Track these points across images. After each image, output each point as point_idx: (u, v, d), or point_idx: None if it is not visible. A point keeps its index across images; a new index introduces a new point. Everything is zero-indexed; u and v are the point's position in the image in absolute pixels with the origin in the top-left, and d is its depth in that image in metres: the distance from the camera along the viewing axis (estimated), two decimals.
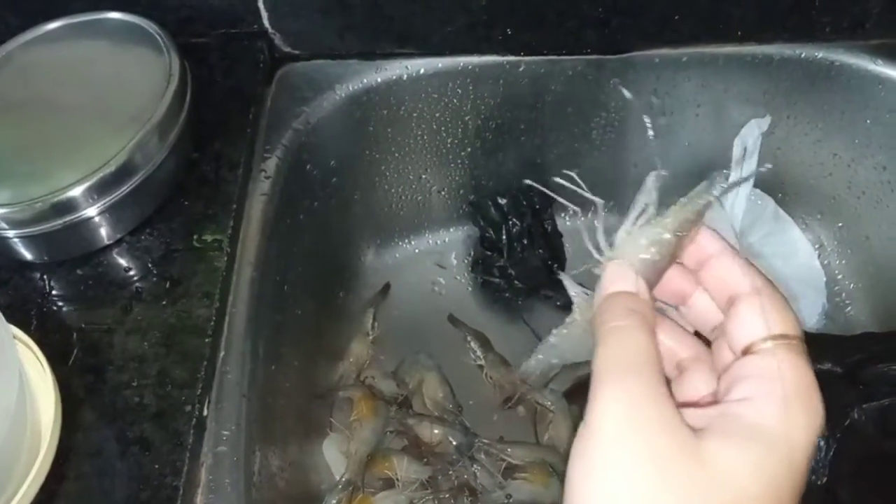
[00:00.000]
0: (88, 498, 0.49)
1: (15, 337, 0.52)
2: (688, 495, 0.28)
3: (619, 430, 0.29)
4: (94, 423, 0.53)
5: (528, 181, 0.47)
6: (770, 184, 0.87)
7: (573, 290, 0.38)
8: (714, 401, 0.33)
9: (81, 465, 0.51)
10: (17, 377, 0.47)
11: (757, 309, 0.33)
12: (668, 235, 0.35)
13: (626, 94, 0.73)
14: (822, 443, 0.59)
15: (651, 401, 0.30)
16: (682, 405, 0.32)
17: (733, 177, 0.83)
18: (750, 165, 0.81)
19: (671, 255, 0.36)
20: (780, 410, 0.30)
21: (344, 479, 0.72)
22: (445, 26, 0.76)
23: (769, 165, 0.84)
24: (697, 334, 0.38)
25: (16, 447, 0.48)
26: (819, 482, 0.59)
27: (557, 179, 0.40)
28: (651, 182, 0.37)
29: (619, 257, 0.36)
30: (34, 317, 0.58)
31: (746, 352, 0.32)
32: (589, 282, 0.37)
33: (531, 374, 0.41)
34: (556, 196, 0.40)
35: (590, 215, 0.39)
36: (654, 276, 0.36)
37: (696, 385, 0.36)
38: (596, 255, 0.37)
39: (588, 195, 0.38)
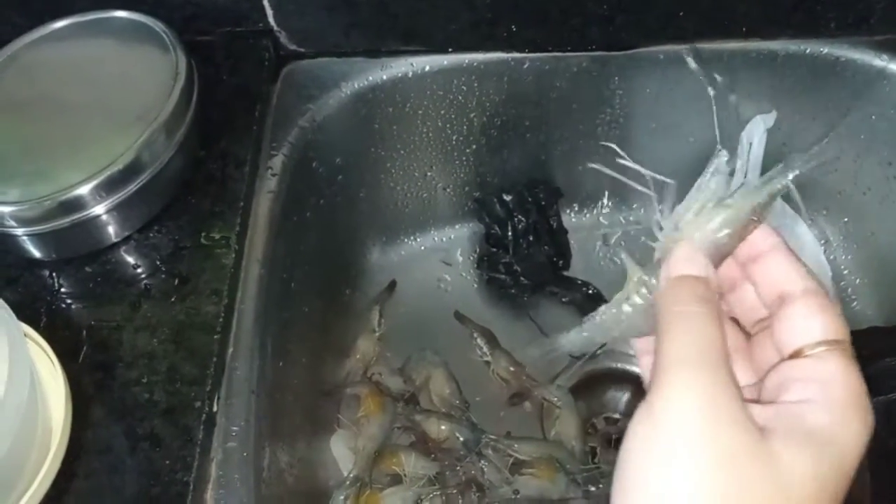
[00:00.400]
0: (100, 494, 0.50)
1: (25, 334, 0.52)
2: (754, 495, 0.28)
3: (690, 422, 0.29)
4: (105, 419, 0.53)
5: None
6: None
7: (633, 269, 0.37)
8: (756, 398, 0.33)
9: (92, 461, 0.51)
10: (28, 374, 0.48)
11: (811, 312, 0.32)
12: (741, 218, 0.34)
13: (692, 63, 0.71)
14: None
15: (724, 396, 0.30)
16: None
17: (738, 173, 0.83)
18: (755, 161, 0.81)
19: (738, 240, 0.35)
20: (838, 415, 0.30)
21: (352, 475, 0.72)
22: (450, 24, 0.76)
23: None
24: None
25: (27, 444, 0.48)
26: None
27: (621, 160, 0.40)
28: (719, 162, 0.37)
29: (685, 238, 0.35)
30: (44, 314, 0.58)
31: (797, 354, 0.32)
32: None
33: (567, 349, 0.40)
34: (623, 179, 0.40)
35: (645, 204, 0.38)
36: (717, 261, 0.35)
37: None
38: (658, 235, 0.36)
39: (657, 176, 0.38)
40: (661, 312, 0.33)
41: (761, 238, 0.36)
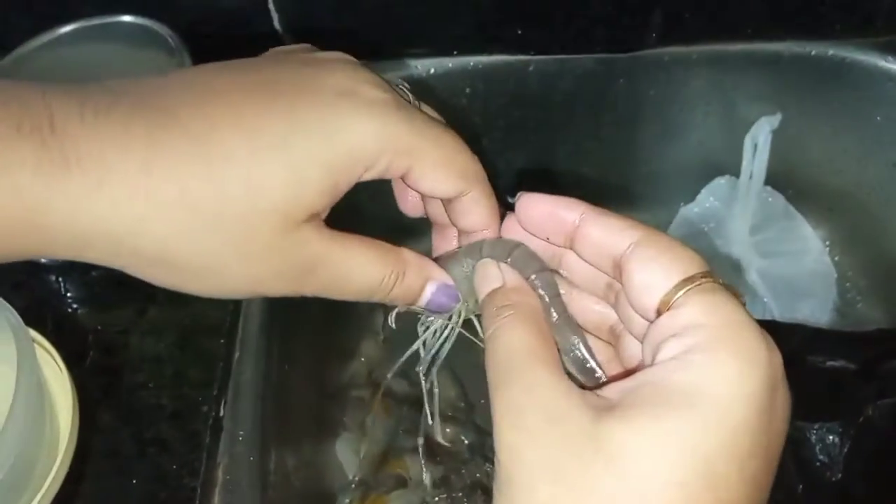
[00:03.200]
0: (108, 498, 0.50)
1: (32, 339, 0.52)
2: (581, 497, 0.25)
3: (513, 443, 0.27)
4: (112, 423, 0.53)
5: None
6: (781, 181, 0.87)
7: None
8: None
9: (100, 465, 0.51)
10: (36, 379, 0.48)
11: (646, 264, 0.28)
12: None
13: None
14: (836, 439, 0.59)
15: (534, 398, 0.27)
16: (623, 375, 0.29)
17: (743, 174, 0.83)
18: (760, 163, 0.81)
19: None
20: (701, 364, 0.25)
21: (357, 479, 0.72)
22: (455, 26, 0.76)
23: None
24: None
25: (36, 448, 0.48)
26: (833, 478, 0.59)
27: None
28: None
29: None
30: (50, 319, 0.59)
31: (660, 314, 0.28)
32: None
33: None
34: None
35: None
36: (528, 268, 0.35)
37: (636, 350, 0.31)
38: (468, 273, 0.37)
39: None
40: (485, 322, 0.33)
41: (565, 214, 0.32)
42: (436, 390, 0.39)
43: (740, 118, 0.82)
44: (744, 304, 0.27)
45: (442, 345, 0.38)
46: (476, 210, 0.36)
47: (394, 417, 0.76)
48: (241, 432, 0.55)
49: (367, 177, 0.33)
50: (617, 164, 0.88)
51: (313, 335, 0.75)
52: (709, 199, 0.88)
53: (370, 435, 0.74)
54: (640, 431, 0.24)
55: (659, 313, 0.28)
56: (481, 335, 0.34)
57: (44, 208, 0.27)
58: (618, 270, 0.30)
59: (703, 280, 0.27)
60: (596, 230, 0.31)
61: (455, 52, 0.78)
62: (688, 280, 0.27)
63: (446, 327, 0.38)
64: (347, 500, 0.71)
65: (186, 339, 0.57)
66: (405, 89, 0.36)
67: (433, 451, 0.75)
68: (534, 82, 0.80)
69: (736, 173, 0.84)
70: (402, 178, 0.34)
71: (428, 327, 0.38)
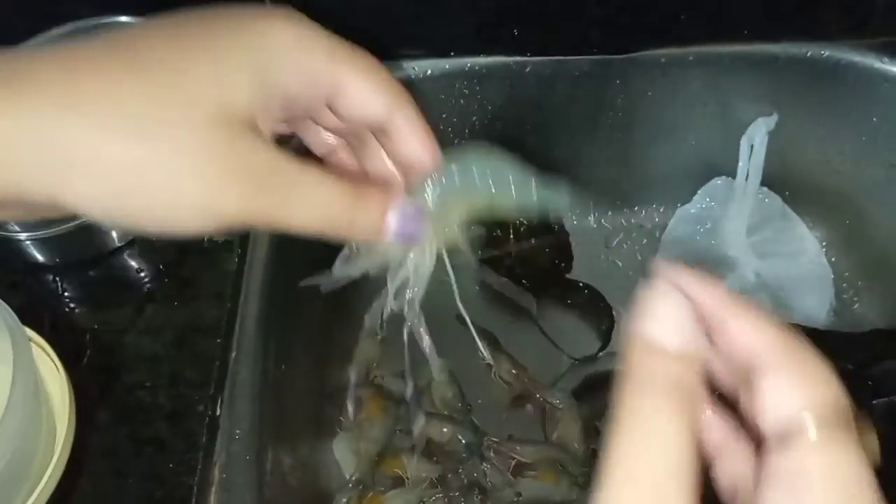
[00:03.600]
0: (104, 497, 0.50)
1: (29, 338, 0.52)
2: None
3: None
4: (109, 422, 0.53)
5: None
6: (777, 182, 0.87)
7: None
8: None
9: (97, 464, 0.51)
10: (33, 378, 0.48)
11: (783, 384, 0.25)
12: None
13: None
14: None
15: None
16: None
17: (739, 174, 0.83)
18: (757, 164, 0.81)
19: None
20: None
21: (354, 478, 0.72)
22: (452, 28, 0.76)
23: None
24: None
25: (32, 447, 0.49)
26: None
27: None
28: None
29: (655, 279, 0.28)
30: (47, 318, 0.59)
31: (782, 441, 0.25)
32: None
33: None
34: None
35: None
36: None
37: (734, 470, 0.28)
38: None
39: None
40: (624, 393, 0.26)
41: (711, 300, 0.27)
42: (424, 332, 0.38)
43: (737, 119, 0.82)
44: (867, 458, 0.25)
45: (417, 280, 0.37)
46: (414, 131, 0.36)
47: (391, 417, 0.76)
48: (238, 431, 0.55)
49: (295, 84, 0.32)
50: (614, 164, 0.88)
51: (311, 335, 0.75)
52: (705, 199, 0.88)
53: (367, 434, 0.74)
54: None
55: (774, 436, 0.25)
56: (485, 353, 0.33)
57: None
58: (748, 375, 0.27)
59: (840, 425, 0.24)
60: (736, 325, 0.27)
61: (451, 54, 0.78)
62: (822, 420, 0.24)
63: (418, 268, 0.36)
64: (345, 500, 0.71)
65: (183, 339, 0.57)
66: None
67: (430, 451, 0.76)
68: (530, 84, 0.80)
69: (732, 174, 0.84)
70: (330, 102, 0.34)
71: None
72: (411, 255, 0.37)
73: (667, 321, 0.26)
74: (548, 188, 0.37)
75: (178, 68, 0.29)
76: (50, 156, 0.27)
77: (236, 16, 0.32)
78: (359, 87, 0.34)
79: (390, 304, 0.37)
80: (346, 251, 0.38)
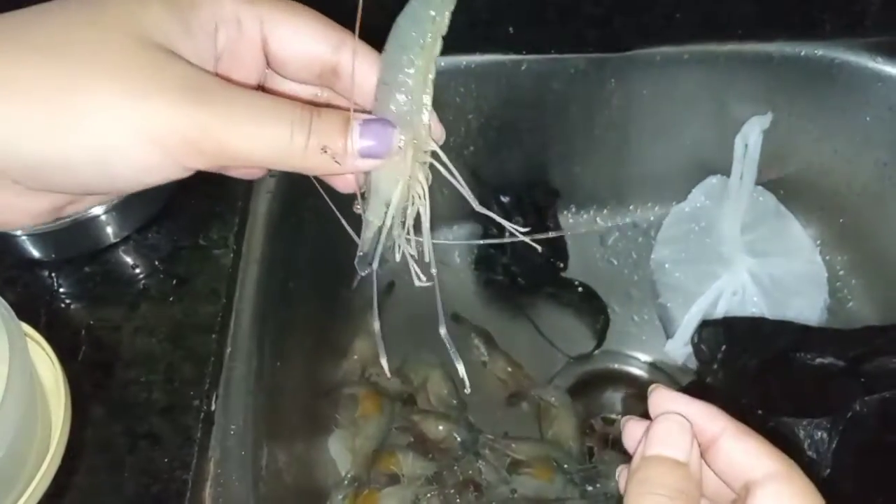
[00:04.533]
0: (99, 491, 0.50)
1: (25, 334, 0.52)
2: None
3: None
4: (104, 418, 0.53)
5: None
6: (772, 180, 0.88)
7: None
8: None
9: (92, 459, 0.51)
10: (28, 373, 0.48)
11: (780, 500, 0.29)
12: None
13: None
14: (825, 435, 0.59)
15: None
16: None
17: (734, 173, 0.83)
18: (751, 162, 0.82)
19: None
20: None
21: (350, 475, 0.72)
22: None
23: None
24: None
25: (27, 442, 0.49)
26: (822, 474, 0.60)
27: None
28: None
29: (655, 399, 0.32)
30: (43, 314, 0.59)
31: None
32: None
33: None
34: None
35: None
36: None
37: None
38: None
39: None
40: (629, 494, 0.29)
41: (707, 425, 0.31)
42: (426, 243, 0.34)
43: (732, 118, 0.82)
44: None
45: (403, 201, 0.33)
46: (370, 64, 0.32)
47: (386, 414, 0.77)
48: (233, 427, 0.55)
49: (211, 20, 0.30)
50: (609, 163, 0.89)
51: (306, 332, 0.76)
52: (700, 198, 0.89)
53: (363, 431, 0.74)
54: None
55: None
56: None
57: None
58: (745, 491, 0.30)
59: None
60: (737, 450, 0.30)
61: (448, 52, 0.78)
62: None
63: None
64: (340, 497, 0.71)
65: (178, 335, 0.57)
66: None
67: (426, 448, 0.76)
68: (526, 82, 0.81)
69: (727, 172, 0.85)
70: (265, 44, 0.31)
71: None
72: (398, 180, 0.32)
73: (669, 440, 0.30)
74: None
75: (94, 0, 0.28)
76: None
77: None
78: (304, 23, 0.31)
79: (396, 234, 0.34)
80: (359, 251, 0.35)
